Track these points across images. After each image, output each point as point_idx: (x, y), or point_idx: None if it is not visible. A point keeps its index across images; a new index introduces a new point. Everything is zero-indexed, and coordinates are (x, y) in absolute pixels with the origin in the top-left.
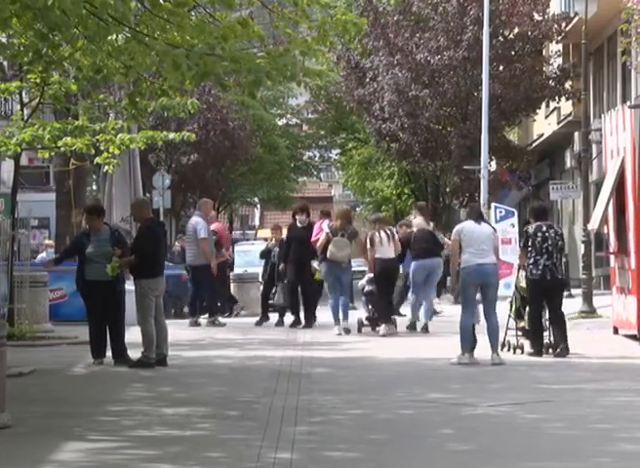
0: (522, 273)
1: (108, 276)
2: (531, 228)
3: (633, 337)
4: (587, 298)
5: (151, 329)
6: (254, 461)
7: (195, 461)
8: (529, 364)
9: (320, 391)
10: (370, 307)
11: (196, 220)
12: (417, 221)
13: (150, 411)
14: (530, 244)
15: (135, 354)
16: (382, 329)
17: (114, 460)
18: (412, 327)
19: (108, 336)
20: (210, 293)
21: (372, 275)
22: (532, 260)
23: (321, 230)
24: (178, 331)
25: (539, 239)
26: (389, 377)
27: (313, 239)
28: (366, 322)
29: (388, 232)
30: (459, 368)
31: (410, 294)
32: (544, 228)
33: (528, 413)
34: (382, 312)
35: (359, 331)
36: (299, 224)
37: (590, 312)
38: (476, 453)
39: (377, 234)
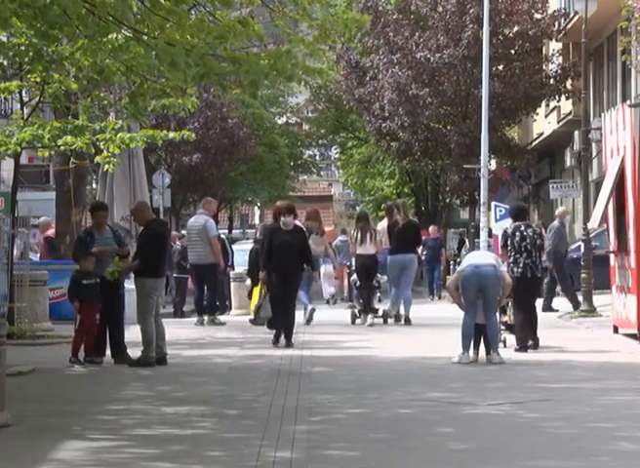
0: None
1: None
2: (509, 228)
3: (633, 336)
4: (587, 297)
5: (151, 328)
6: (254, 460)
7: (195, 460)
8: (528, 363)
9: (320, 390)
10: (361, 301)
11: (205, 219)
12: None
13: (150, 410)
14: (509, 243)
15: (134, 353)
16: (369, 319)
17: (114, 459)
18: (397, 319)
19: (108, 335)
20: (216, 292)
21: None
22: (512, 259)
23: None
24: (178, 329)
25: (517, 238)
26: (389, 376)
27: None
28: (359, 314)
29: (372, 231)
30: (458, 367)
31: (392, 290)
32: (522, 227)
33: (528, 412)
34: (366, 304)
35: (352, 322)
36: (283, 227)
37: (590, 311)
38: (476, 452)
39: (359, 232)
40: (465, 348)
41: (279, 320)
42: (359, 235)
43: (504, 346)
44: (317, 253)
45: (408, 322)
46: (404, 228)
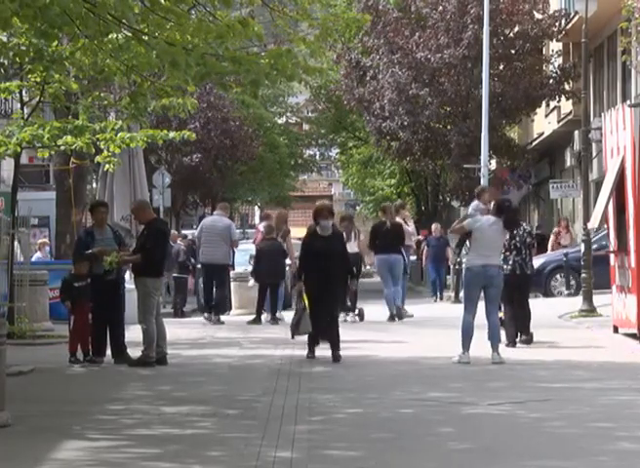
0: None
1: (114, 274)
2: None
3: (633, 336)
4: (587, 297)
5: (153, 327)
6: (254, 460)
7: (195, 460)
8: (529, 363)
9: (320, 390)
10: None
11: (229, 222)
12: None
13: (150, 410)
14: None
15: (135, 353)
16: (350, 317)
17: (114, 459)
18: (391, 318)
19: (108, 335)
20: (227, 291)
21: None
22: (502, 257)
23: (259, 231)
24: (178, 329)
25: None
26: (389, 376)
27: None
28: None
29: (356, 231)
30: (458, 366)
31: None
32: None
33: (528, 412)
34: (348, 302)
35: None
36: (320, 232)
37: (590, 311)
38: (476, 452)
39: (343, 232)
40: (465, 348)
41: (320, 333)
42: (345, 235)
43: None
44: None
45: (392, 319)
46: (390, 229)
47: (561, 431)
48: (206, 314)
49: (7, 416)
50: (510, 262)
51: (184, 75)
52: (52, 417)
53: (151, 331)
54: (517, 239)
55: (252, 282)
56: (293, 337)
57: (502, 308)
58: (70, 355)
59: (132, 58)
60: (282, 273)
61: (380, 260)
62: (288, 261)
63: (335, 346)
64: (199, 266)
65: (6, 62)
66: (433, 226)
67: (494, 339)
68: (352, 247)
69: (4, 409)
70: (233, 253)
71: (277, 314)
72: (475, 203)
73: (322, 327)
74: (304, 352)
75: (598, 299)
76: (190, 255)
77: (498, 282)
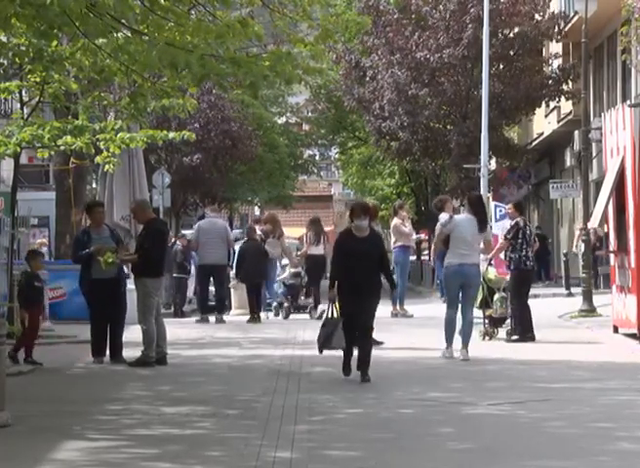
0: (488, 266)
1: (113, 274)
2: (521, 222)
3: (633, 336)
4: (587, 297)
5: (153, 328)
6: (254, 460)
7: (195, 460)
8: (529, 363)
9: (320, 390)
10: (289, 297)
11: (224, 223)
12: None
13: (150, 410)
14: (521, 236)
15: (135, 353)
16: (318, 312)
17: (114, 459)
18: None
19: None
20: (225, 290)
21: (294, 270)
22: (523, 252)
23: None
24: (178, 329)
25: (527, 232)
26: (389, 376)
27: None
28: (293, 309)
29: (324, 234)
30: (458, 366)
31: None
32: (528, 223)
33: (528, 412)
34: (316, 299)
35: (286, 317)
36: (355, 233)
37: (590, 311)
38: (477, 452)
39: (309, 235)
40: (449, 342)
41: (352, 346)
42: (313, 237)
43: (490, 339)
44: (273, 255)
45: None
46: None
47: (561, 431)
48: (200, 317)
49: (7, 416)
50: (531, 258)
51: (183, 76)
52: (52, 417)
53: (151, 331)
54: (532, 236)
55: (234, 282)
56: (321, 352)
57: (497, 306)
58: (26, 355)
59: (132, 56)
60: (264, 273)
61: None
62: (285, 262)
63: (364, 364)
64: (193, 269)
65: (6, 62)
66: None
67: (466, 336)
68: (317, 249)
69: (4, 409)
70: (233, 252)
71: (262, 313)
72: (442, 215)
73: (354, 336)
74: (305, 352)
75: (598, 299)
76: (189, 257)
77: (475, 282)
